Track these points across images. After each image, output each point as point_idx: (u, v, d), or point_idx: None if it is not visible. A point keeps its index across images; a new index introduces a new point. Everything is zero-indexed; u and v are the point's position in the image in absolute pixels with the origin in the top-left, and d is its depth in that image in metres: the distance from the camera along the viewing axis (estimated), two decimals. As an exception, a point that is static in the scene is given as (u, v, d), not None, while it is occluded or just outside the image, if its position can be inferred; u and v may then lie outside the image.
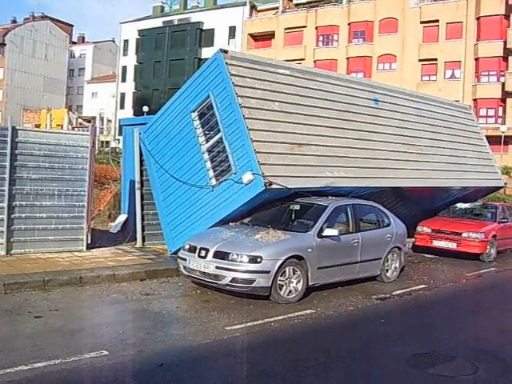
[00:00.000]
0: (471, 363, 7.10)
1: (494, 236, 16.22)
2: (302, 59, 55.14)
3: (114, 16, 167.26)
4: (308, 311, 9.29)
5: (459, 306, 10.99)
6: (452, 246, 15.91)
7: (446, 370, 6.89)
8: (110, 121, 75.68)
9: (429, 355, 7.36)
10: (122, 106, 73.43)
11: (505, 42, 47.05)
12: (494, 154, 20.78)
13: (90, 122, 52.23)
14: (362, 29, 54.90)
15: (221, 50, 11.63)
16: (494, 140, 36.97)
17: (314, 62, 55.20)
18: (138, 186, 13.74)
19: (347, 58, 55.16)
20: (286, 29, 59.33)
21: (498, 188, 21.23)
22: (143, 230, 13.86)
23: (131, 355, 6.74)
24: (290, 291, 9.81)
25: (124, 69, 74.14)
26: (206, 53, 59.07)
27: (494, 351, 7.81)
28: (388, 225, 12.39)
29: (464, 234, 15.81)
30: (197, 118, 11.99)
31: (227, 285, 9.60)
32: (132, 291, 9.98)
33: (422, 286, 12.08)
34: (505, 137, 43.96)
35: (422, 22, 51.77)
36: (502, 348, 8.08)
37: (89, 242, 12.65)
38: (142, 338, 7.42)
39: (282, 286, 9.69)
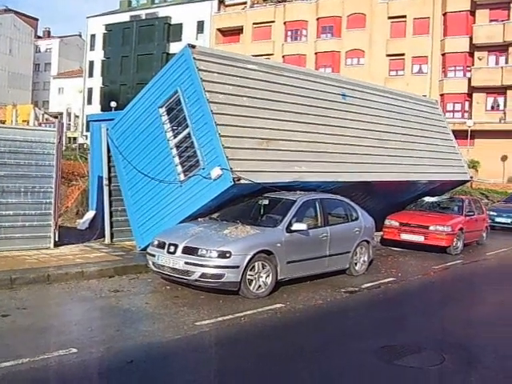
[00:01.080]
0: (438, 354, 7.21)
1: (461, 229, 16.44)
2: (271, 54, 55.19)
3: (81, 10, 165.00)
4: (277, 305, 9.32)
5: (427, 299, 11.13)
6: (419, 239, 16.07)
7: (413, 362, 6.98)
8: (77, 116, 74.85)
9: (397, 347, 7.46)
10: (90, 102, 72.69)
11: (471, 38, 47.64)
12: (460, 148, 21.10)
13: (56, 117, 51.56)
14: (330, 24, 55.07)
15: (188, 44, 11.58)
16: (460, 134, 37.43)
17: (283, 57, 55.23)
18: (105, 182, 13.61)
19: (316, 53, 55.32)
20: (254, 24, 59.24)
21: (465, 182, 21.56)
22: (111, 226, 13.74)
23: (100, 352, 6.69)
24: (260, 286, 9.84)
25: (91, 64, 73.36)
26: (174, 48, 58.71)
27: (461, 342, 7.93)
28: (356, 219, 12.49)
29: (431, 228, 15.98)
30: (165, 113, 11.94)
31: (196, 280, 9.57)
32: (101, 288, 9.90)
33: (391, 278, 12.19)
34: (471, 131, 44.53)
35: (389, 18, 52.12)
36: (469, 339, 8.21)
37: (56, 239, 12.50)
38: (111, 335, 7.38)
39: (252, 280, 9.71)
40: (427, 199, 18.08)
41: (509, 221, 22.77)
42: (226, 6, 64.62)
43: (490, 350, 7.71)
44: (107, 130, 13.38)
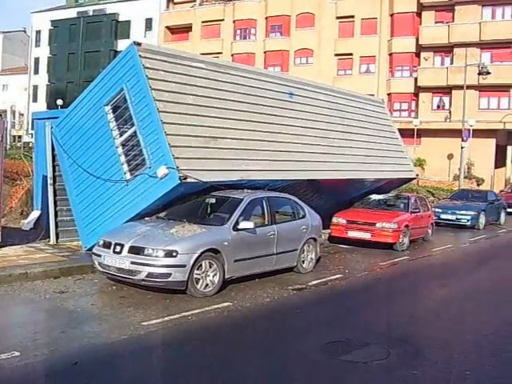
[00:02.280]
0: (384, 349, 7.34)
1: (407, 226, 16.69)
2: (220, 53, 55.07)
3: (25, 4, 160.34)
4: (225, 304, 9.32)
5: (373, 295, 11.29)
6: (366, 236, 16.24)
7: (359, 357, 7.07)
8: (22, 114, 73.17)
9: (343, 343, 7.54)
10: (35, 99, 71.13)
11: (417, 39, 48.48)
12: (407, 147, 21.49)
13: (0, 115, 50.39)
14: (279, 23, 55.22)
15: (134, 42, 11.49)
16: (407, 133, 38.12)
17: (232, 55, 55.18)
18: (50, 181, 13.38)
19: (264, 52, 55.42)
20: (203, 22, 58.95)
21: (411, 179, 21.95)
22: (57, 226, 13.50)
23: (44, 355, 6.58)
24: (207, 285, 9.81)
25: (36, 60, 71.78)
26: (122, 45, 57.82)
27: (406, 337, 8.08)
28: (303, 216, 12.57)
29: (378, 225, 16.19)
30: (110, 111, 11.79)
31: (143, 280, 9.50)
32: (45, 290, 9.72)
33: (338, 275, 12.30)
34: (418, 130, 45.29)
35: (337, 18, 52.51)
36: (414, 333, 8.40)
37: (-1, 240, 12.24)
38: (55, 337, 7.27)
39: (199, 279, 9.68)
40: (374, 197, 18.34)
41: (454, 217, 23.22)
42: (175, 3, 64.11)
43: (435, 343, 7.86)
44: (52, 128, 13.14)
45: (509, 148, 46.74)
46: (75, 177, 12.57)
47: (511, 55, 44.18)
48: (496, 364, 7.10)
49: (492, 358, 7.32)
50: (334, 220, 16.73)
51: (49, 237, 13.51)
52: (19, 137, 64.86)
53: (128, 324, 7.95)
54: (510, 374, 6.79)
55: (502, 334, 8.48)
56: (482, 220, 23.35)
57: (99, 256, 10.12)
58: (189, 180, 10.62)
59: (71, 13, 68.92)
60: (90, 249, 11.30)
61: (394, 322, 8.97)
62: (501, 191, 34.71)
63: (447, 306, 10.38)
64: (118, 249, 9.80)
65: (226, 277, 10.17)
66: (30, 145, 46.15)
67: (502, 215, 25.76)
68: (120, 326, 7.87)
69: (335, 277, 12.16)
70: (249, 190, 11.92)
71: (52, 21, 68.67)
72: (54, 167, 13.41)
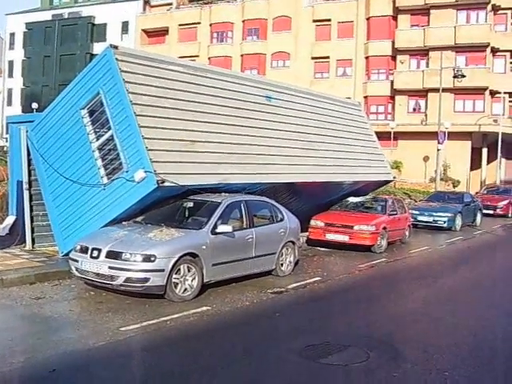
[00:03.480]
0: (363, 351, 7.34)
1: (384, 228, 16.76)
2: (197, 56, 54.94)
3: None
4: (204, 308, 9.29)
5: (352, 297, 11.30)
6: (344, 238, 16.28)
7: (338, 359, 7.08)
8: (-4, 118, 72.39)
9: (322, 346, 7.53)
10: (10, 103, 70.31)
11: (393, 42, 48.85)
12: (384, 150, 21.56)
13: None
14: (256, 26, 55.31)
15: (111, 45, 11.40)
16: (384, 136, 38.28)
17: (209, 58, 55.11)
18: (25, 186, 13.22)
19: (241, 55, 55.45)
20: (180, 25, 58.84)
21: (388, 182, 22.06)
22: (33, 231, 13.34)
23: (21, 363, 6.50)
24: (186, 289, 9.78)
25: (11, 63, 70.94)
26: (98, 48, 57.30)
27: (385, 338, 8.11)
28: (281, 220, 12.58)
29: (356, 227, 16.23)
30: (87, 115, 11.68)
31: (121, 285, 9.44)
32: (22, 296, 9.60)
33: (317, 278, 12.31)
34: (394, 133, 45.62)
35: (314, 21, 52.75)
36: (393, 335, 8.42)
37: (-26, 246, 12.07)
38: (32, 344, 7.19)
39: (177, 284, 9.64)
40: (351, 199, 18.38)
41: (431, 219, 23.35)
42: (152, 6, 63.95)
43: (414, 344, 7.91)
44: (27, 132, 12.99)
45: (484, 150, 47.22)
46: (51, 181, 12.44)
47: (485, 59, 44.81)
48: (473, 364, 7.15)
49: (470, 359, 7.37)
50: (312, 223, 16.76)
51: (25, 242, 13.35)
52: (-7, 141, 64.07)
53: (106, 330, 7.88)
54: (487, 375, 6.85)
55: (479, 335, 8.56)
56: (459, 222, 23.51)
57: (76, 261, 10.04)
58: (166, 184, 10.57)
59: (46, 15, 68.23)
60: (67, 254, 11.18)
61: (374, 324, 9.00)
62: (476, 193, 35.09)
63: (425, 307, 10.42)
64: (95, 254, 9.72)
65: (205, 281, 10.14)
66: (5, 149, 45.55)
67: (478, 217, 25.96)
68: (98, 331, 7.81)
69: (314, 280, 12.17)
70: (227, 194, 11.91)
71: (26, 23, 67.88)
72: (29, 172, 13.25)
